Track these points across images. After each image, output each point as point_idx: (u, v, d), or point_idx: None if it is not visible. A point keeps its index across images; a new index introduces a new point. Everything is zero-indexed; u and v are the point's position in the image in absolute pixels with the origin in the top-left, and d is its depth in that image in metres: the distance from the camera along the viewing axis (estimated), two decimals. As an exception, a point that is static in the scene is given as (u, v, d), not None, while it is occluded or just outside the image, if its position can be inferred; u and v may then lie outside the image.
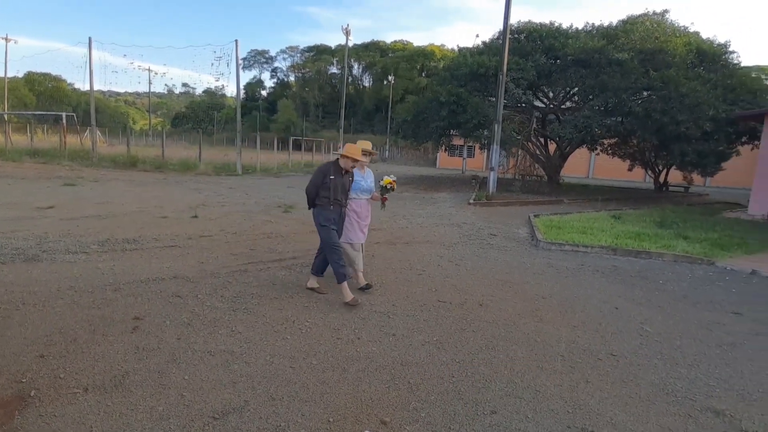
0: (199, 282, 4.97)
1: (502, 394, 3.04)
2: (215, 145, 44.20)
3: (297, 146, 33.14)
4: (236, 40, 20.37)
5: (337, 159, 4.69)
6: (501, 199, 14.05)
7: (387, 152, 47.96)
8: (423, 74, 61.49)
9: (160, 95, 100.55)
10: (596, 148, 20.26)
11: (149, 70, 54.80)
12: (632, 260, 7.14)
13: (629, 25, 16.28)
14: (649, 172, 22.33)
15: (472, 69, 16.50)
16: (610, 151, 21.69)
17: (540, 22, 17.91)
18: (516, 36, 17.49)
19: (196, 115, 72.77)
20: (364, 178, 5.02)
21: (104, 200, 10.29)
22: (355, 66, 73.12)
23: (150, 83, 63.38)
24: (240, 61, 21.32)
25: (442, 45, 67.52)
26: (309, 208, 4.76)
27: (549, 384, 3.20)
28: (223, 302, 4.41)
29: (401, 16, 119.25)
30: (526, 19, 20.56)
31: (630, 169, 23.39)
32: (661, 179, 21.56)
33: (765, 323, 4.64)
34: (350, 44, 36.36)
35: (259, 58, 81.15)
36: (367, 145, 4.97)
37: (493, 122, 14.26)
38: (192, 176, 17.94)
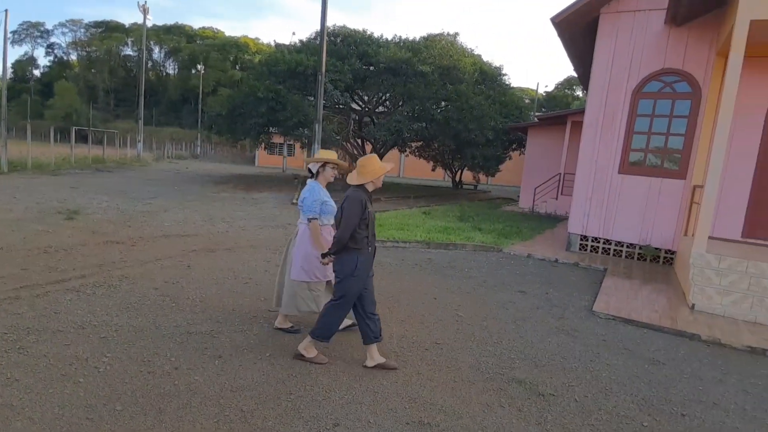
0: (-70, 322, 3.61)
1: (342, 402, 2.96)
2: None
3: (82, 138, 27.73)
4: (6, 10, 15.95)
5: (361, 183, 3.44)
6: (324, 198, 14.20)
7: (199, 149, 44.04)
8: (237, 67, 58.30)
9: None
10: (406, 150, 22.28)
11: None
12: (443, 252, 7.99)
13: (429, 42, 18.29)
14: (448, 172, 25.67)
15: (291, 66, 16.28)
16: (417, 153, 24.11)
17: (354, 29, 18.72)
18: (333, 39, 17.91)
19: (-54, 98, 54.22)
20: (330, 197, 3.97)
21: None
22: (156, 50, 64.93)
23: None
24: (8, 35, 16.71)
25: (257, 38, 65.09)
26: (331, 254, 3.39)
27: (386, 383, 3.26)
28: (-26, 347, 3.28)
29: (209, 0, 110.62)
30: (342, 24, 21.28)
31: (433, 169, 26.50)
32: (457, 178, 25.02)
33: (541, 298, 5.68)
34: (149, 24, 31.99)
35: (32, 31, 65.46)
36: (332, 155, 4.03)
37: (313, 121, 14.31)
38: None
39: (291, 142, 25.55)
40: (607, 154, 7.98)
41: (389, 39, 18.90)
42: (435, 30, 25.87)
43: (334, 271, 3.44)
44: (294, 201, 13.40)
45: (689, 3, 6.48)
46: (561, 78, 56.99)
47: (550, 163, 15.16)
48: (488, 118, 16.90)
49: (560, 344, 4.24)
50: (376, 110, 20.16)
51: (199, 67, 51.98)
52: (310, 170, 3.96)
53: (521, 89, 42.40)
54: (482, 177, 25.70)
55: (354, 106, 20.08)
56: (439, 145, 20.00)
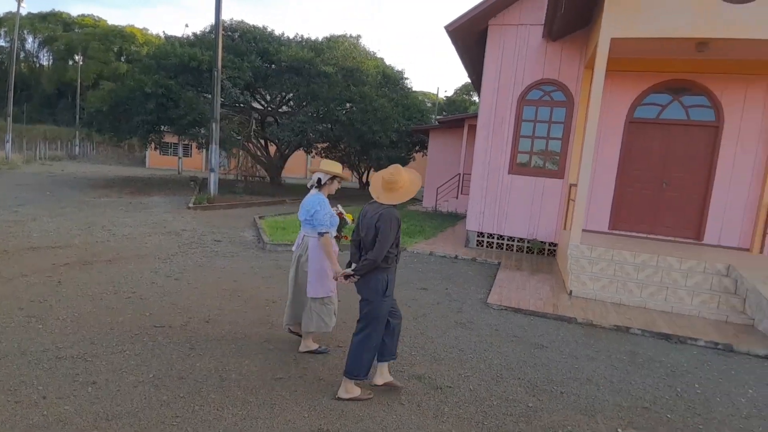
0: None
1: (236, 419, 2.78)
2: None
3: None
4: None
5: (395, 203, 3.15)
6: (224, 201, 13.47)
7: (77, 148, 39.27)
8: (122, 59, 52.92)
9: None
10: (312, 151, 21.98)
11: None
12: (348, 254, 7.96)
13: (332, 42, 18.25)
14: (355, 173, 25.83)
15: (183, 61, 15.18)
16: (323, 154, 23.90)
17: (254, 24, 18.02)
18: (230, 34, 17.08)
19: None
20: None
21: None
22: (30, 39, 56.54)
23: None
24: None
25: (145, 29, 59.60)
26: (357, 276, 3.13)
27: (284, 393, 3.14)
28: None
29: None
30: (240, 18, 20.37)
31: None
32: (364, 179, 25.29)
33: (441, 294, 5.91)
34: (23, 12, 27.71)
35: None
36: (339, 168, 3.83)
37: (210, 120, 13.49)
38: None
39: (186, 142, 23.89)
40: (498, 155, 8.58)
41: (291, 37, 18.50)
42: (337, 31, 25.88)
43: (360, 293, 3.19)
44: (191, 205, 12.50)
45: (561, 21, 7.20)
46: (460, 84, 60.36)
47: (451, 164, 15.95)
48: (392, 120, 17.30)
49: (457, 337, 4.44)
50: (280, 110, 19.62)
51: (77, 57, 46.30)
52: (320, 180, 3.75)
53: (423, 93, 44.09)
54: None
55: (255, 105, 19.32)
56: (346, 146, 20.04)
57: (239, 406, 2.93)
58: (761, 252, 7.20)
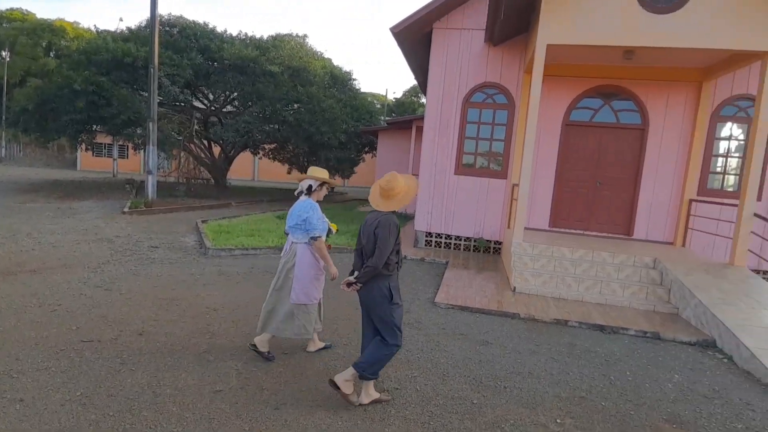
0: None
1: (171, 437, 2.63)
2: None
3: None
4: None
5: (394, 210, 3.15)
6: (163, 205, 12.81)
7: (3, 150, 36.04)
8: (51, 54, 49.16)
9: None
10: (259, 153, 21.40)
11: None
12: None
13: (278, 41, 17.84)
14: (304, 174, 25.46)
15: (116, 56, 14.28)
16: (271, 156, 23.32)
17: (194, 20, 17.29)
18: (168, 29, 16.27)
19: None
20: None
21: None
22: None
23: None
24: None
25: (76, 22, 55.67)
26: (359, 284, 3.09)
27: (224, 406, 3.00)
28: None
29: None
30: (178, 13, 19.50)
31: (289, 172, 25.89)
32: (313, 181, 24.98)
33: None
34: None
35: None
36: (326, 174, 3.90)
37: (147, 120, 12.79)
38: None
39: (122, 143, 22.57)
40: (444, 157, 8.73)
41: (234, 35, 17.92)
42: (283, 30, 25.38)
43: (365, 303, 3.18)
44: (126, 210, 11.79)
45: (501, 27, 7.44)
46: (408, 85, 61.05)
47: (400, 165, 16.05)
48: (340, 121, 17.18)
49: (406, 337, 4.43)
50: (224, 110, 18.93)
51: (4, 53, 42.48)
52: (311, 186, 3.78)
53: (372, 95, 44.25)
54: (338, 179, 26.09)
55: (197, 104, 18.53)
56: (294, 147, 19.67)
57: (174, 423, 2.76)
58: (683, 245, 7.79)
